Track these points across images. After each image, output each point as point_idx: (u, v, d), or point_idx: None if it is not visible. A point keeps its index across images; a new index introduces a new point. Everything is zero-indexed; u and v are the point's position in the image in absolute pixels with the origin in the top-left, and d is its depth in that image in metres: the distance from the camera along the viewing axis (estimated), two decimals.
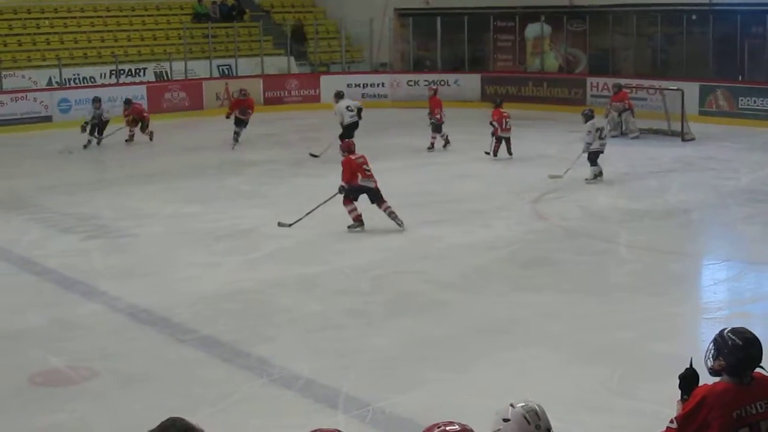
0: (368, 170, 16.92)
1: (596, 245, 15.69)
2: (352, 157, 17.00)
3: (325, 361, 10.67)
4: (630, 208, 18.17)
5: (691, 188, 20.02)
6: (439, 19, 36.28)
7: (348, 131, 22.94)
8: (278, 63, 35.92)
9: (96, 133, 26.27)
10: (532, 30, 35.69)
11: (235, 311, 12.60)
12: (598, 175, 20.39)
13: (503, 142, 23.40)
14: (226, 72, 35.19)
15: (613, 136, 25.80)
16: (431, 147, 24.66)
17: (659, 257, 15.05)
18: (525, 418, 4.88)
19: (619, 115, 26.65)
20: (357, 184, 16.73)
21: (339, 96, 24.63)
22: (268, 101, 34.12)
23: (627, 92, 27.35)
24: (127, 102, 27.47)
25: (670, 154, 23.75)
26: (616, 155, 23.50)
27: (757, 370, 5.75)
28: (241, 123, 26.32)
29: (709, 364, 5.78)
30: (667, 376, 5.87)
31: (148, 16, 36.27)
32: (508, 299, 12.95)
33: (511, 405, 4.97)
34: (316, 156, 23.84)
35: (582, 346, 10.96)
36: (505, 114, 23.56)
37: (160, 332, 11.91)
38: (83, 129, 25.93)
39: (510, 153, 23.42)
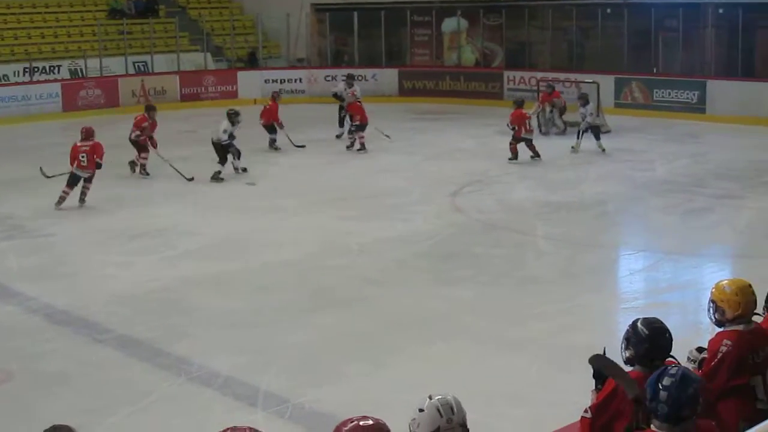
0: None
1: (514, 237, 15.79)
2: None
3: (245, 358, 10.63)
4: (547, 200, 18.29)
5: (608, 180, 20.22)
6: (356, 14, 36.23)
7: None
8: (195, 59, 35.61)
9: None
10: (449, 24, 35.78)
11: (152, 310, 12.49)
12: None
13: (525, 144, 22.20)
14: (142, 69, 34.82)
15: (543, 133, 25.93)
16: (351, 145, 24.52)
17: (576, 249, 15.18)
18: (438, 410, 4.91)
19: (550, 111, 26.75)
20: None
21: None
22: (185, 98, 33.82)
23: (559, 92, 27.48)
24: None
25: (587, 146, 23.92)
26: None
27: (670, 359, 5.83)
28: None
29: (623, 354, 5.86)
30: (584, 366, 5.91)
31: (62, 12, 35.78)
32: (427, 293, 12.98)
33: (429, 397, 5.00)
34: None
35: (500, 339, 11.02)
36: (526, 115, 22.72)
37: (76, 333, 11.77)
38: None
39: (536, 155, 22.17)
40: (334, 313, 12.22)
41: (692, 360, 6.53)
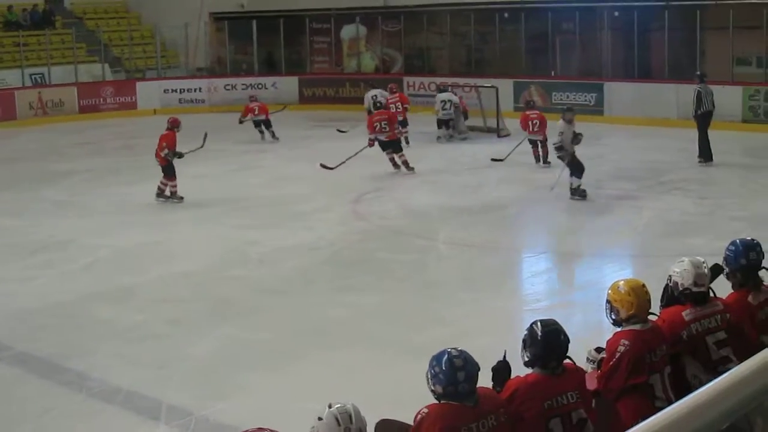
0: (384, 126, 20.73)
1: (415, 243, 15.82)
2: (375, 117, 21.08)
3: (146, 372, 10.50)
4: (448, 205, 18.36)
5: (507, 183, 20.36)
6: (254, 22, 36.21)
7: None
8: (92, 70, 35.27)
9: None
10: (348, 31, 35.92)
11: (52, 326, 12.29)
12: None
13: (535, 146, 22.25)
14: (39, 81, 34.38)
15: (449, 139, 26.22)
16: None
17: (478, 252, 15.26)
18: (336, 419, 4.93)
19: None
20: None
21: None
22: (84, 109, 33.49)
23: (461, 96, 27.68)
24: None
25: (487, 150, 24.08)
26: (434, 152, 23.89)
27: (567, 361, 5.89)
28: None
29: (523, 356, 5.91)
30: (487, 371, 5.94)
31: None
32: (329, 300, 12.95)
33: (329, 405, 5.01)
34: (344, 131, 25.77)
35: (403, 344, 11.01)
36: (531, 116, 22.43)
37: None
38: None
39: (540, 160, 22.11)
40: (233, 323, 12.12)
41: (591, 360, 6.60)
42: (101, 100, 34.10)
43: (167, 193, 19.05)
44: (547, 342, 5.83)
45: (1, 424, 9.37)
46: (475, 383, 5.51)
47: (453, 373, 5.44)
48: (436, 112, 25.77)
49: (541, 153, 22.09)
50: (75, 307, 12.96)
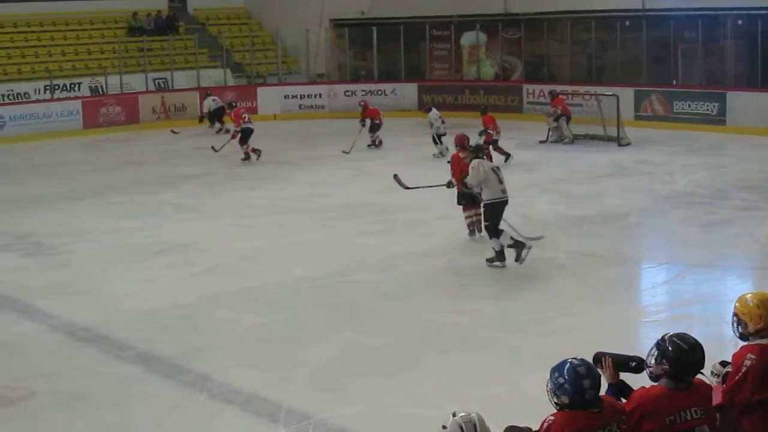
0: None
1: (535, 252, 15.70)
2: (461, 155, 16.00)
3: (266, 375, 10.60)
4: (568, 214, 18.23)
5: (628, 193, 20.14)
6: (375, 29, 36.31)
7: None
8: (214, 75, 35.76)
9: None
10: (468, 38, 35.84)
11: (174, 327, 12.48)
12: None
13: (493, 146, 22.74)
14: (162, 85, 34.97)
15: (552, 142, 26.26)
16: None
17: (598, 262, 15.11)
18: (461, 427, 4.89)
19: (555, 120, 26.83)
20: (460, 188, 15.86)
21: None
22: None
23: (563, 98, 27.58)
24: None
25: (607, 159, 23.90)
26: (554, 161, 23.73)
27: (698, 376, 5.79)
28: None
29: (651, 369, 5.80)
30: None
31: (82, 30, 35.99)
32: (446, 307, 12.93)
33: (453, 414, 4.98)
34: (347, 152, 25.30)
35: (522, 354, 10.95)
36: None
37: (98, 350, 11.76)
38: None
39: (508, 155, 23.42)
40: (353, 328, 12.17)
41: (716, 374, 6.46)
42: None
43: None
44: (689, 356, 5.73)
45: (125, 422, 9.53)
46: (599, 390, 5.46)
47: (578, 381, 5.40)
48: (436, 129, 25.17)
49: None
50: (196, 309, 13.16)
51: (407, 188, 17.02)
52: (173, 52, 35.65)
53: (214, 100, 31.83)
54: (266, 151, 24.86)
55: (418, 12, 35.18)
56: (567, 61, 33.67)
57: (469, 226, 16.28)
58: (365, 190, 21.01)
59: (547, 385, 5.54)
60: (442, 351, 11.23)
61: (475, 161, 14.84)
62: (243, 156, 25.22)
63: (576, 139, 26.71)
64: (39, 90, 32.50)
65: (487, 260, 14.79)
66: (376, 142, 26.74)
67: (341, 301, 13.41)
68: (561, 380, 5.44)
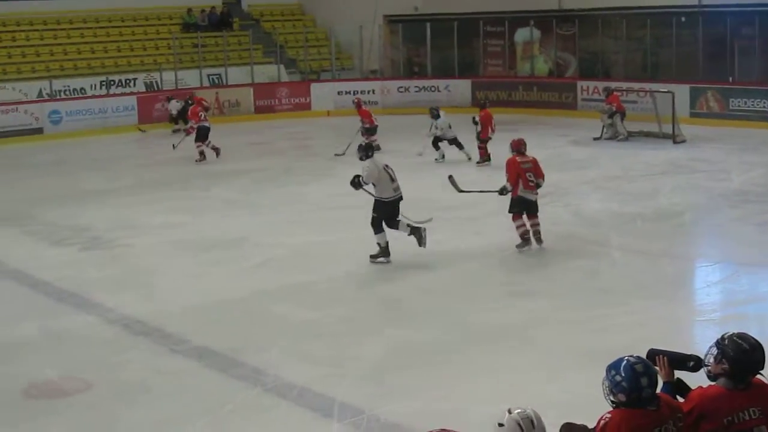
0: (531, 180, 15.22)
1: (588, 249, 15.67)
2: (518, 159, 15.49)
3: (319, 370, 10.65)
4: (622, 212, 18.15)
5: (683, 190, 20.02)
6: (428, 24, 36.33)
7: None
8: (268, 71, 35.92)
9: None
10: (522, 34, 35.75)
11: (227, 321, 12.58)
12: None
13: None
14: (217, 81, 35.18)
15: (606, 139, 26.17)
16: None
17: (652, 260, 15.05)
18: (519, 424, 4.90)
19: (610, 117, 26.73)
20: (515, 194, 15.29)
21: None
22: (259, 110, 34.16)
23: (618, 95, 27.43)
24: None
25: (662, 156, 23.77)
26: (608, 158, 23.63)
27: (757, 376, 5.74)
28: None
29: (710, 368, 5.76)
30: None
31: (138, 26, 36.27)
32: (500, 305, 12.93)
33: (509, 411, 4.99)
34: (340, 155, 24.55)
35: (576, 351, 10.91)
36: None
37: (153, 343, 11.89)
38: None
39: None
40: (405, 324, 12.24)
41: None
42: (276, 101, 34.68)
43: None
44: (751, 356, 5.67)
45: (180, 415, 9.61)
46: (657, 387, 5.45)
47: (636, 379, 5.39)
48: (442, 133, 24.58)
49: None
50: (249, 304, 13.25)
51: (461, 191, 17.03)
52: (227, 48, 35.83)
53: (177, 102, 31.55)
54: (319, 147, 24.88)
55: (472, 8, 35.10)
56: (621, 57, 33.47)
57: (522, 235, 15.38)
58: (419, 186, 20.92)
59: (603, 383, 5.53)
60: (493, 348, 11.24)
61: (368, 161, 15.14)
62: (198, 156, 25.15)
63: (630, 136, 26.59)
64: (95, 86, 32.83)
65: (371, 257, 14.97)
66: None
67: (393, 297, 13.47)
68: (618, 378, 5.44)
